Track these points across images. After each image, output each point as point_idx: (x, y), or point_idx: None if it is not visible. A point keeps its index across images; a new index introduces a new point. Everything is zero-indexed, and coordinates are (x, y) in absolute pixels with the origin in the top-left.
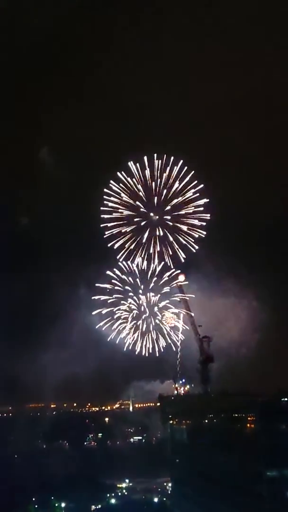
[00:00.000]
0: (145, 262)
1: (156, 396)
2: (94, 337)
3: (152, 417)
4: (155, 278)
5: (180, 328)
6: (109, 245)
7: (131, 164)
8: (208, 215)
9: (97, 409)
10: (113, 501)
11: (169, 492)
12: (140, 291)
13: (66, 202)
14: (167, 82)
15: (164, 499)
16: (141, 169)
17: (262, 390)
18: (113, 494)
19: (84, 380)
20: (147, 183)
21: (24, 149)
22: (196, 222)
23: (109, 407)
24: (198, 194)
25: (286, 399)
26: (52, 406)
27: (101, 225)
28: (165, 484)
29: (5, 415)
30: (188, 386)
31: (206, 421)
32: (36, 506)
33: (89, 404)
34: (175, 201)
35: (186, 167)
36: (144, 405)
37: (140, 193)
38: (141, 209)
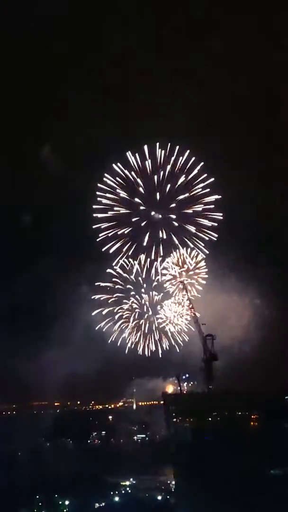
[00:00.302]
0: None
1: (158, 394)
2: (97, 335)
3: (155, 415)
4: (158, 277)
5: (185, 322)
6: (103, 249)
7: (129, 154)
8: (221, 214)
9: (100, 407)
10: (116, 499)
11: (173, 490)
12: (143, 290)
13: (66, 199)
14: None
15: (168, 497)
16: (140, 160)
17: (266, 388)
18: (116, 492)
19: (88, 378)
20: (147, 176)
21: (23, 148)
22: (206, 222)
23: (112, 405)
24: (208, 190)
25: None
26: (55, 404)
27: (94, 226)
28: (168, 482)
29: (9, 413)
30: (191, 383)
31: (210, 419)
32: (40, 504)
33: (92, 402)
34: (181, 197)
35: (193, 158)
36: (148, 403)
37: (140, 188)
38: (141, 207)
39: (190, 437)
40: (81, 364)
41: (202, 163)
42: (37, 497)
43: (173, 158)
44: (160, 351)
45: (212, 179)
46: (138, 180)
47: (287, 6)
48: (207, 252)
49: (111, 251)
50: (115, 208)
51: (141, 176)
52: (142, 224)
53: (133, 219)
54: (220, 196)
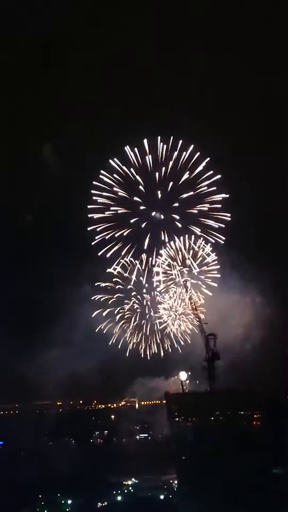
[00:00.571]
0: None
1: (160, 394)
2: (98, 335)
3: (158, 415)
4: (160, 277)
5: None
6: (99, 253)
7: (127, 149)
8: (229, 215)
9: (103, 406)
10: (119, 498)
11: (175, 490)
12: (144, 290)
13: (66, 197)
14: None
15: (170, 496)
16: (140, 155)
17: (268, 387)
18: (119, 491)
19: (89, 377)
20: (148, 173)
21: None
22: (212, 223)
23: (115, 405)
24: (215, 188)
25: None
26: (58, 403)
27: (88, 228)
28: (171, 481)
29: (11, 412)
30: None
31: (212, 418)
32: (42, 503)
33: (95, 401)
34: (185, 195)
35: (198, 153)
36: (150, 402)
37: (140, 187)
38: (141, 207)
39: (193, 436)
40: (83, 363)
41: (208, 159)
42: (40, 496)
43: (175, 153)
44: (162, 352)
45: (219, 176)
46: (138, 177)
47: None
48: (215, 256)
49: (108, 255)
50: (112, 208)
51: (141, 173)
52: (142, 225)
53: (132, 220)
54: (227, 195)
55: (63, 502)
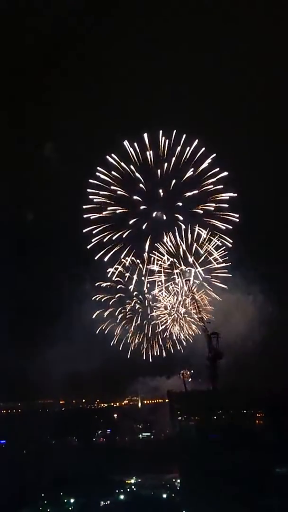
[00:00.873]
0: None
1: (163, 392)
2: (100, 335)
3: (160, 413)
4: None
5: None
6: (96, 257)
7: (126, 144)
8: (237, 215)
9: (105, 405)
10: (122, 497)
11: (178, 488)
12: (145, 290)
13: (66, 196)
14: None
15: (173, 495)
16: (140, 150)
17: (271, 386)
18: (121, 490)
19: (92, 376)
20: (149, 169)
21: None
22: (218, 224)
23: (117, 404)
24: (221, 186)
25: None
26: (61, 402)
27: (84, 230)
28: (173, 480)
29: (14, 411)
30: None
31: (215, 417)
32: (45, 502)
33: (97, 400)
34: (189, 194)
35: (203, 149)
36: (153, 401)
37: (140, 184)
38: (141, 206)
39: (196, 435)
40: (85, 362)
41: (213, 155)
42: (42, 495)
43: (179, 149)
44: (164, 352)
45: (226, 173)
46: (137, 174)
47: None
48: (221, 260)
49: (105, 259)
50: (110, 208)
51: (141, 170)
52: (144, 226)
53: (131, 221)
54: (235, 194)
55: (66, 500)
